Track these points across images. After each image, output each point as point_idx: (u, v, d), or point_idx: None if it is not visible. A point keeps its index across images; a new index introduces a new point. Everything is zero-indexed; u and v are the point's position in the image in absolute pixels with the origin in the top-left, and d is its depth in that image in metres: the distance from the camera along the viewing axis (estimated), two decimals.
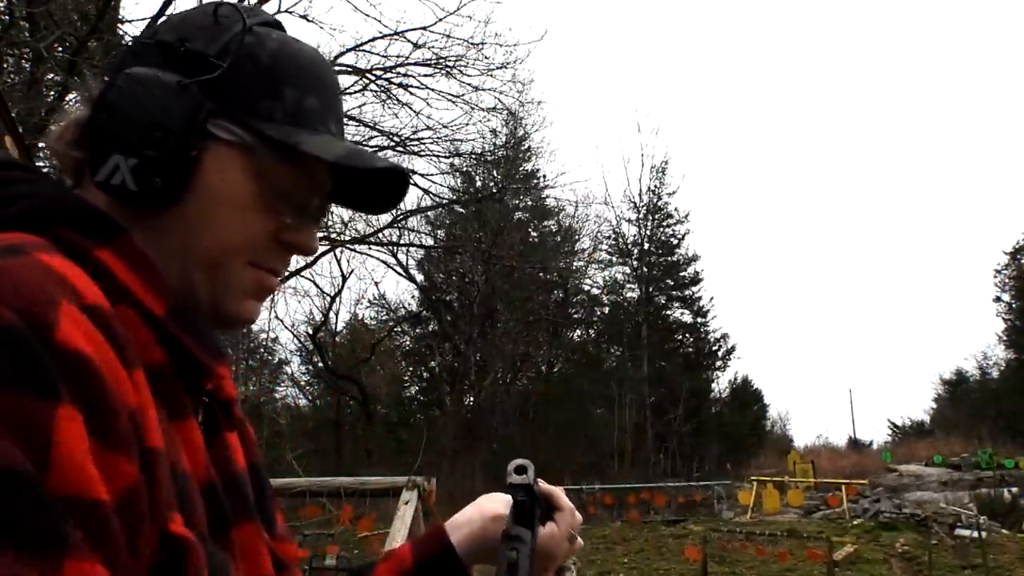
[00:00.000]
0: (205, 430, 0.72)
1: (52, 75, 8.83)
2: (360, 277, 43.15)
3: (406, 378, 30.23)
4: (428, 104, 14.96)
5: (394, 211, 18.99)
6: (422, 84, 13.51)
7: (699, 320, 32.57)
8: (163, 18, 0.80)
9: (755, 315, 60.29)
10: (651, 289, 31.41)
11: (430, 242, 25.25)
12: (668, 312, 32.55)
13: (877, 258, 70.35)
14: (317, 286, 25.18)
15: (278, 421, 22.24)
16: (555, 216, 29.28)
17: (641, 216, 31.26)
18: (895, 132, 70.79)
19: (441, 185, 20.79)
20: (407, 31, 12.92)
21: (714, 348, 32.61)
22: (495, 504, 0.94)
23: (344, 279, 24.46)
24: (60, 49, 8.66)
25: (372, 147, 13.60)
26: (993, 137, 68.61)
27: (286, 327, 25.64)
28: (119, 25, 9.78)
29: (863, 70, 71.42)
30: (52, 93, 9.12)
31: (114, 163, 0.66)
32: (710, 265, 57.83)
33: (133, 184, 0.66)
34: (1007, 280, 34.39)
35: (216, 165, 0.68)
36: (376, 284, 43.91)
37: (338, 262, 23.35)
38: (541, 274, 26.73)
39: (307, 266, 19.79)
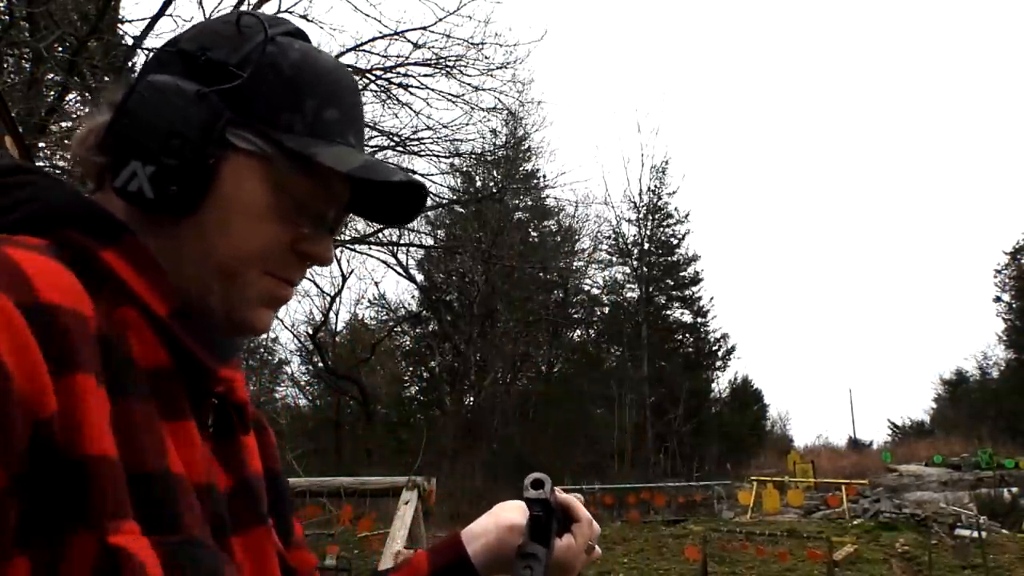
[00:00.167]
0: (216, 433, 0.72)
1: (52, 75, 8.83)
2: (360, 277, 43.29)
3: (406, 378, 30.23)
4: (428, 104, 15.01)
5: None
6: (422, 84, 13.51)
7: (699, 320, 32.59)
8: (188, 26, 0.81)
9: (755, 315, 60.33)
10: (651, 289, 31.41)
11: (430, 242, 25.26)
12: (668, 312, 32.55)
13: (877, 258, 70.39)
14: (317, 286, 25.11)
15: (278, 421, 22.23)
16: (555, 216, 29.30)
17: (641, 216, 31.28)
18: (895, 132, 70.82)
19: (441, 185, 20.76)
20: (407, 31, 12.93)
21: (714, 348, 32.62)
22: (511, 513, 0.92)
23: (344, 279, 24.48)
24: (60, 49, 8.66)
25: (372, 147, 13.60)
26: (993, 137, 68.65)
27: (286, 327, 25.60)
28: (119, 25, 9.78)
29: (863, 70, 71.46)
30: (52, 93, 9.12)
31: (132, 170, 0.66)
32: (710, 265, 57.85)
33: (150, 191, 0.66)
34: (1007, 280, 34.38)
35: (234, 174, 0.68)
36: (376, 284, 44.03)
37: (338, 262, 23.33)
38: (541, 274, 26.73)
39: None
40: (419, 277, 27.96)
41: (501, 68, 14.11)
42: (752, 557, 12.48)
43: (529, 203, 28.11)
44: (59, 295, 0.56)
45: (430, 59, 13.30)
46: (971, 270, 76.58)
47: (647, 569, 12.93)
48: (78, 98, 9.13)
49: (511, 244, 24.30)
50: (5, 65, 8.83)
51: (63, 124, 8.48)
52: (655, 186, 31.42)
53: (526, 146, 25.17)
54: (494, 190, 23.55)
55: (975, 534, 12.84)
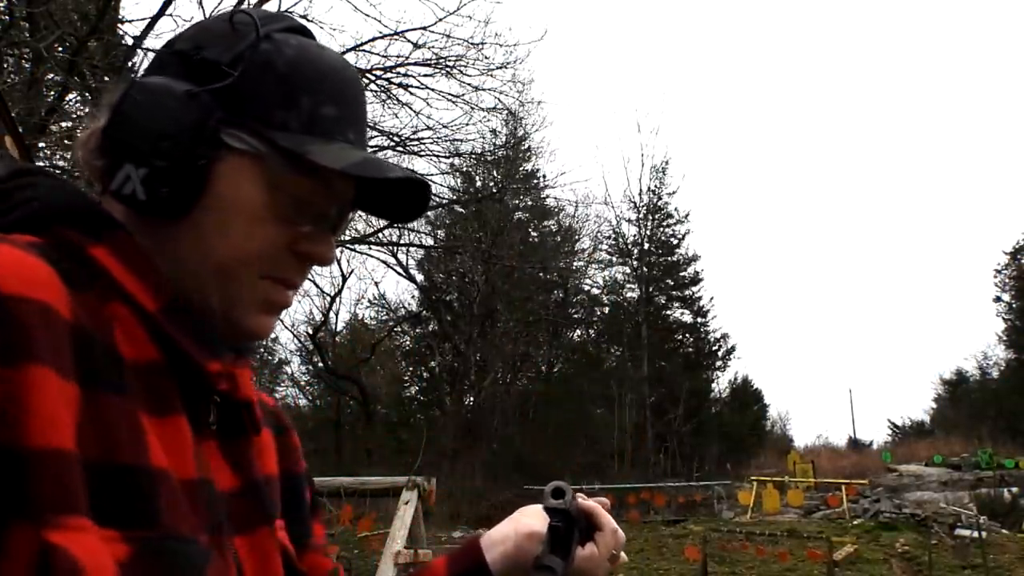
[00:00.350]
0: (223, 431, 0.72)
1: (52, 75, 8.83)
2: (360, 277, 43.29)
3: (406, 378, 30.23)
4: (428, 104, 15.00)
5: None
6: (422, 84, 13.52)
7: (699, 320, 32.58)
8: (186, 25, 0.80)
9: (755, 315, 60.37)
10: (651, 289, 31.41)
11: (430, 242, 25.26)
12: (668, 312, 32.55)
13: (877, 258, 70.39)
14: (317, 286, 25.11)
15: None
16: (555, 216, 29.28)
17: (641, 216, 31.28)
18: (895, 132, 70.82)
19: (441, 185, 20.74)
20: (407, 31, 12.93)
21: (714, 348, 32.61)
22: (532, 520, 0.90)
23: (344, 279, 24.48)
24: (60, 49, 8.65)
25: (372, 147, 13.59)
26: (993, 137, 68.64)
27: (286, 327, 25.63)
28: (119, 25, 9.78)
29: (863, 70, 71.46)
30: (52, 93, 9.11)
31: (126, 172, 0.66)
32: (710, 265, 57.84)
33: (142, 193, 0.66)
34: (1007, 280, 34.38)
35: (229, 175, 0.68)
36: (376, 284, 44.01)
37: (338, 262, 23.33)
38: (541, 274, 26.73)
39: None
40: (419, 277, 27.98)
41: (501, 68, 14.12)
42: (752, 557, 12.48)
43: (529, 203, 28.10)
44: (24, 287, 0.55)
45: (430, 59, 13.31)
46: (971, 270, 76.69)
47: (647, 569, 12.92)
48: (78, 98, 9.13)
49: (511, 244, 24.30)
50: (5, 65, 8.83)
51: (63, 124, 8.49)
52: (655, 186, 31.45)
53: (526, 146, 25.18)
54: (494, 190, 23.56)
55: (975, 534, 12.84)
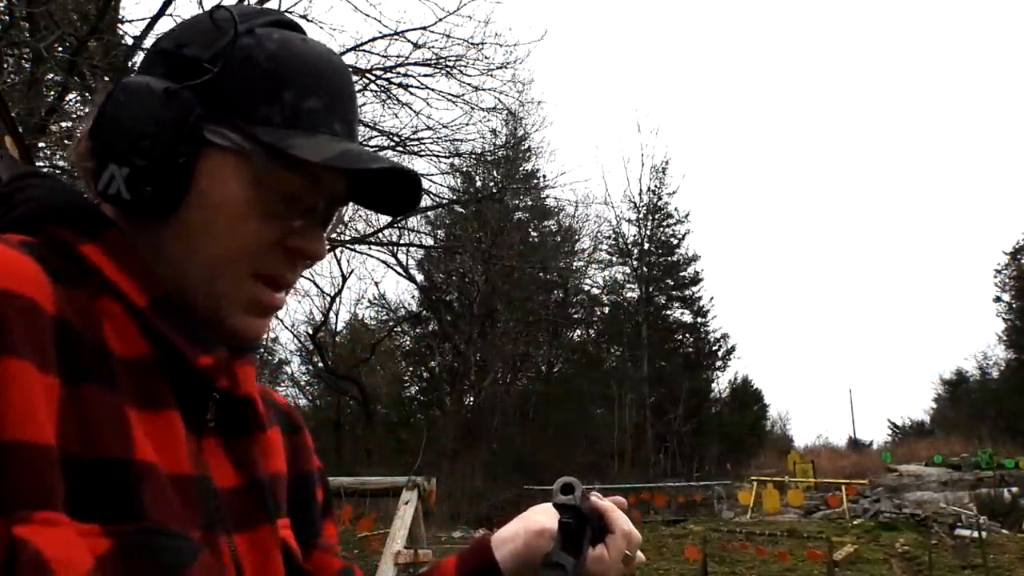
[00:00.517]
0: (226, 429, 0.72)
1: (52, 75, 8.83)
2: (360, 277, 43.24)
3: (406, 378, 30.23)
4: (428, 104, 14.99)
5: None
6: (422, 84, 13.51)
7: (699, 320, 32.59)
8: (172, 25, 0.80)
9: (755, 315, 60.39)
10: (651, 289, 31.41)
11: (430, 242, 25.27)
12: (668, 312, 32.55)
13: (877, 258, 70.41)
14: (317, 286, 25.12)
15: None
16: (555, 216, 29.29)
17: (641, 216, 31.28)
18: (895, 132, 70.82)
19: (441, 185, 20.77)
20: (407, 31, 12.92)
21: (714, 348, 32.62)
22: (542, 517, 0.88)
23: (344, 279, 24.52)
24: (60, 49, 8.65)
25: (372, 147, 13.59)
26: (993, 137, 68.64)
27: (286, 327, 25.65)
28: (119, 25, 9.78)
29: (863, 70, 71.46)
30: (52, 93, 9.12)
31: (110, 173, 0.66)
32: (710, 265, 57.88)
33: (126, 193, 0.66)
34: (1007, 280, 34.38)
35: (213, 172, 0.67)
36: (376, 284, 43.98)
37: (338, 262, 23.38)
38: (541, 274, 26.73)
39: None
40: (419, 277, 27.98)
41: (501, 68, 14.11)
42: (752, 557, 12.48)
43: (529, 203, 28.10)
44: (7, 282, 0.56)
45: (430, 59, 13.30)
46: (971, 270, 76.72)
47: (647, 569, 12.92)
48: (78, 98, 9.13)
49: (511, 244, 24.30)
50: (5, 65, 8.83)
51: (63, 124, 8.48)
52: (655, 186, 31.45)
53: (526, 146, 25.18)
54: (494, 190, 23.56)
55: (975, 534, 12.84)
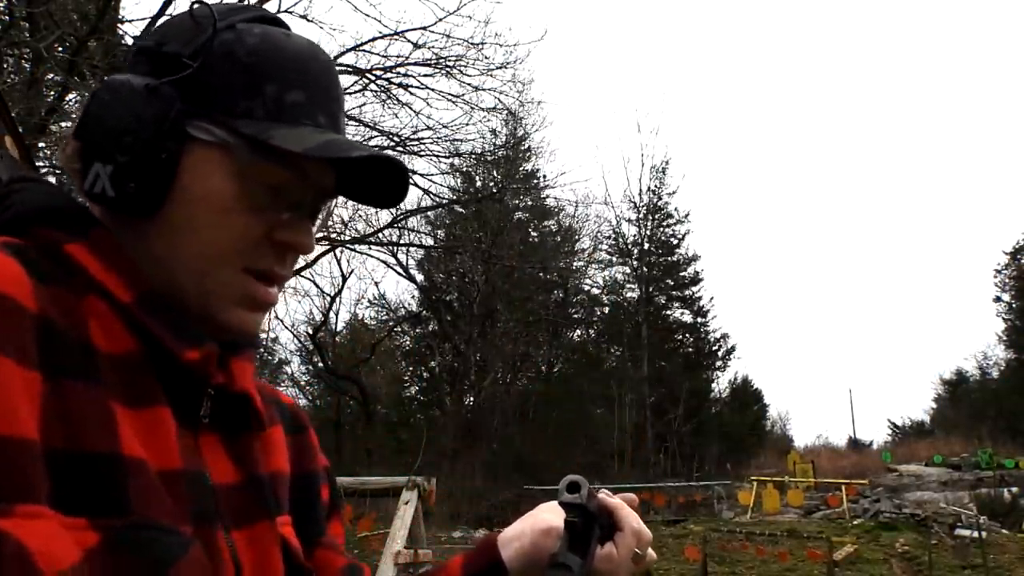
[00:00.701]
0: (224, 426, 0.72)
1: (52, 75, 8.83)
2: (360, 277, 43.27)
3: (406, 378, 30.23)
4: (428, 104, 14.98)
5: (394, 211, 19.01)
6: (422, 84, 13.52)
7: (699, 320, 32.59)
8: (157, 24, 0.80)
9: (755, 315, 60.41)
10: (651, 289, 31.41)
11: (430, 242, 25.27)
12: (668, 312, 32.56)
13: (877, 258, 70.42)
14: (317, 286, 25.22)
15: None
16: (555, 216, 29.29)
17: (641, 216, 31.28)
18: (895, 132, 70.83)
19: (441, 185, 20.77)
20: (407, 31, 12.93)
21: (714, 348, 32.63)
22: (549, 515, 0.86)
23: (344, 279, 24.50)
24: (60, 49, 8.66)
25: (373, 147, 13.57)
26: (993, 137, 68.65)
27: (286, 327, 25.75)
28: (119, 25, 9.78)
29: (863, 70, 71.46)
30: (52, 93, 9.12)
31: (95, 171, 0.66)
32: (710, 265, 57.88)
33: (111, 191, 0.66)
34: (1007, 280, 34.38)
35: (196, 167, 0.67)
36: (376, 284, 43.94)
37: (338, 262, 23.38)
38: (541, 274, 26.73)
39: (307, 266, 19.79)
40: (419, 277, 27.98)
41: (501, 68, 14.12)
42: (752, 557, 12.48)
43: (529, 203, 28.10)
44: None
45: (430, 59, 13.31)
46: (971, 270, 76.75)
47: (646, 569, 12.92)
48: (78, 98, 9.12)
49: (511, 244, 24.30)
50: (5, 65, 8.83)
51: (63, 124, 8.48)
52: (655, 186, 31.45)
53: (526, 146, 25.17)
54: (494, 190, 23.55)
55: (975, 534, 12.84)
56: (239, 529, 0.69)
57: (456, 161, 18.27)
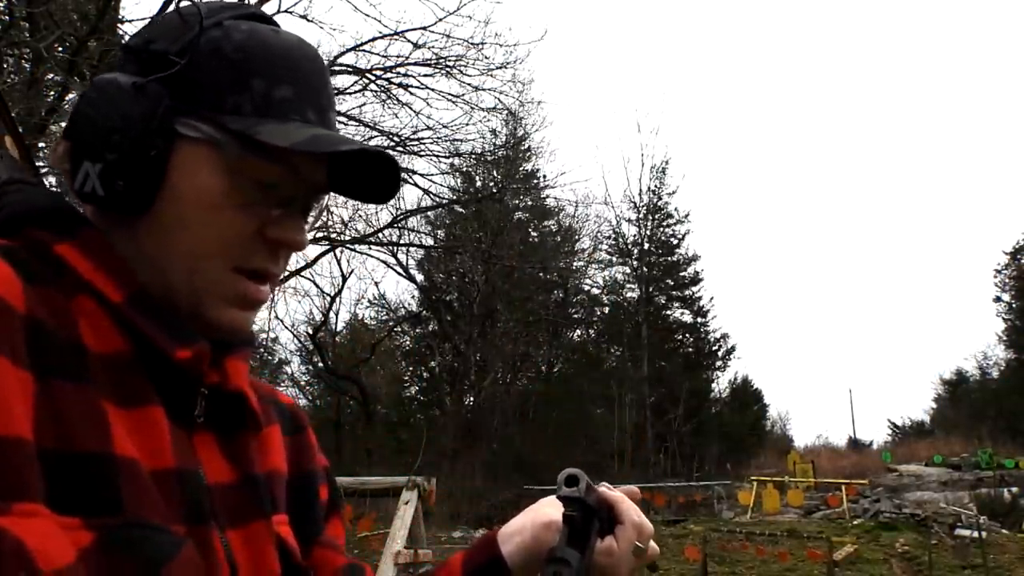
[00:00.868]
0: (219, 425, 0.72)
1: (52, 75, 8.84)
2: (360, 277, 43.21)
3: (406, 378, 30.23)
4: (428, 104, 14.98)
5: (394, 211, 19.03)
6: (422, 84, 13.53)
7: (699, 320, 32.59)
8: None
9: (755, 315, 60.41)
10: (651, 289, 31.41)
11: (430, 242, 25.27)
12: (668, 312, 32.56)
13: (877, 258, 70.42)
14: (317, 286, 25.22)
15: None
16: (555, 216, 29.29)
17: (641, 216, 31.28)
18: (895, 132, 70.83)
19: (441, 185, 20.77)
20: (407, 31, 12.94)
21: (714, 348, 32.63)
22: (550, 510, 0.85)
23: (344, 279, 24.47)
24: (60, 49, 8.66)
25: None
26: (993, 137, 68.65)
27: (286, 327, 25.75)
28: (119, 25, 9.78)
29: (863, 70, 71.45)
30: (52, 93, 9.12)
31: (85, 170, 0.67)
32: (710, 265, 57.88)
33: (101, 190, 0.66)
34: (1007, 280, 34.37)
35: (185, 164, 0.67)
36: (376, 284, 43.92)
37: (338, 262, 23.36)
38: (541, 274, 26.73)
39: (307, 266, 19.81)
40: (419, 277, 27.97)
41: (501, 68, 14.13)
42: (752, 557, 12.47)
43: (529, 203, 28.09)
44: None
45: (430, 59, 13.32)
46: (971, 270, 76.75)
47: (647, 569, 12.92)
48: (78, 98, 9.13)
49: (511, 244, 24.29)
50: (5, 65, 8.83)
51: (63, 124, 8.47)
52: (655, 186, 31.45)
53: (526, 146, 25.17)
54: (494, 190, 23.55)
55: (975, 534, 12.83)
56: (234, 528, 0.69)
57: (456, 161, 18.29)
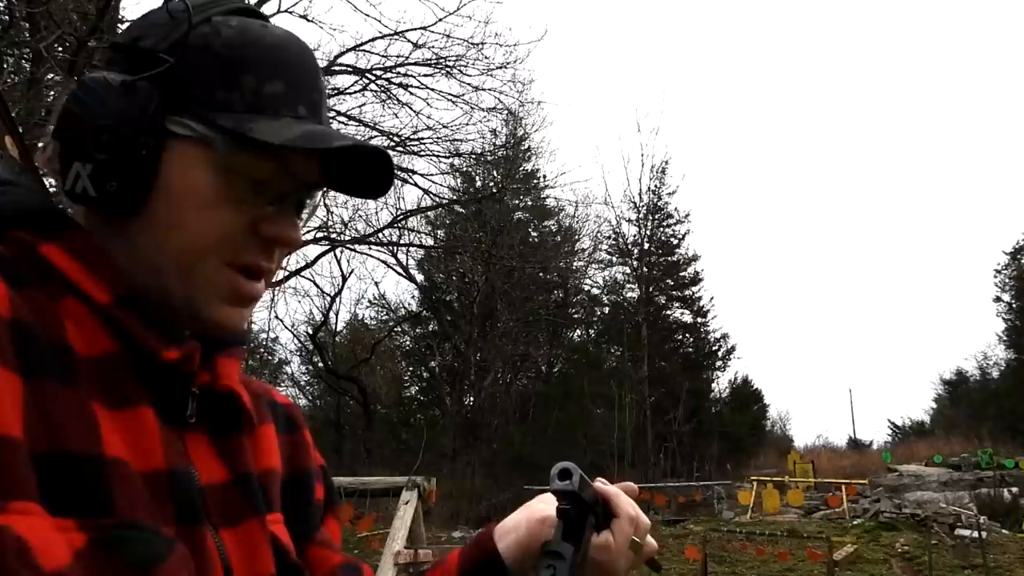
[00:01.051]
0: (212, 425, 0.71)
1: (52, 75, 8.83)
2: (360, 277, 43.13)
3: (406, 378, 30.23)
4: (428, 104, 14.92)
5: (394, 211, 19.02)
6: (422, 84, 13.53)
7: (699, 320, 32.56)
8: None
9: (755, 315, 60.34)
10: (651, 289, 31.39)
11: (430, 242, 25.24)
12: (668, 312, 32.52)
13: (877, 258, 70.41)
14: (317, 286, 25.15)
15: None
16: (555, 216, 29.30)
17: (641, 216, 31.24)
18: (895, 132, 70.82)
19: (441, 185, 20.71)
20: (407, 31, 12.94)
21: (714, 348, 32.60)
22: (545, 505, 0.85)
23: (344, 279, 24.48)
24: (60, 49, 8.66)
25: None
26: (993, 137, 68.64)
27: (286, 327, 25.79)
28: (119, 25, 9.78)
29: (863, 70, 71.46)
30: (52, 93, 9.11)
31: (75, 171, 0.66)
32: (710, 265, 57.88)
33: (92, 190, 0.65)
34: (1007, 280, 34.35)
35: (177, 163, 0.67)
36: (376, 284, 43.92)
37: (338, 262, 23.37)
38: (541, 274, 26.71)
39: (307, 266, 19.81)
40: (419, 277, 27.97)
41: (501, 68, 14.12)
42: (752, 557, 12.48)
43: (529, 203, 28.10)
44: None
45: (430, 59, 13.32)
46: (971, 270, 76.73)
47: (647, 569, 12.92)
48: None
49: (511, 244, 24.27)
50: (5, 65, 8.83)
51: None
52: (655, 186, 31.39)
53: (526, 146, 25.18)
54: (494, 190, 23.53)
55: (975, 534, 12.83)
56: (228, 528, 0.69)
57: (456, 161, 18.27)
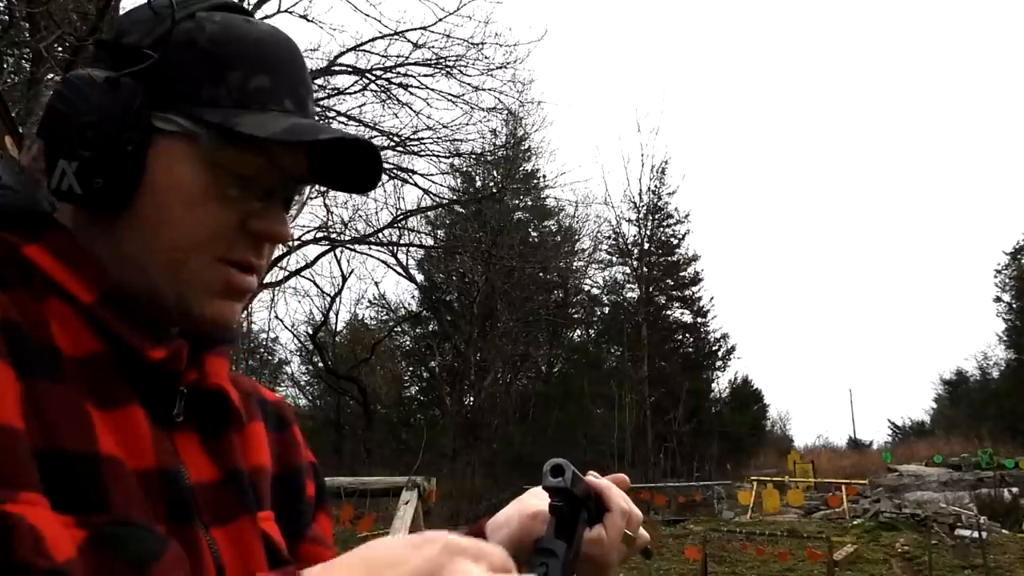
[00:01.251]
0: (201, 423, 0.71)
1: (52, 75, 8.83)
2: (360, 277, 43.15)
3: (406, 378, 30.23)
4: (428, 104, 14.89)
5: (394, 211, 19.02)
6: (422, 84, 13.52)
7: (699, 320, 32.56)
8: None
9: (755, 315, 60.35)
10: (651, 289, 31.39)
11: (430, 242, 25.23)
12: (668, 312, 32.52)
13: (877, 258, 70.41)
14: (317, 286, 25.10)
15: None
16: (555, 216, 29.29)
17: (641, 216, 31.23)
18: (895, 132, 70.83)
19: (441, 185, 20.70)
20: (407, 31, 12.93)
21: (714, 348, 32.60)
22: (537, 500, 0.85)
23: (344, 279, 24.47)
24: (60, 49, 8.65)
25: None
26: (993, 137, 68.65)
27: (286, 327, 25.78)
28: None
29: (863, 69, 71.47)
30: (52, 93, 9.11)
31: (60, 168, 0.65)
32: (710, 265, 57.87)
33: (78, 188, 0.65)
34: (1007, 280, 34.35)
35: (163, 159, 0.67)
36: (376, 284, 43.89)
37: (338, 262, 23.36)
38: (541, 274, 26.71)
39: (307, 266, 19.81)
40: (419, 277, 27.96)
41: (501, 68, 14.10)
42: (752, 557, 12.48)
43: (529, 203, 28.10)
44: None
45: (430, 59, 13.31)
46: (971, 270, 76.75)
47: (647, 569, 12.93)
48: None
49: (511, 244, 24.27)
50: (5, 65, 8.83)
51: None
52: (655, 186, 31.38)
53: (526, 146, 25.18)
54: (494, 190, 23.53)
55: (975, 534, 12.84)
56: (219, 526, 0.68)
57: (456, 161, 18.26)
